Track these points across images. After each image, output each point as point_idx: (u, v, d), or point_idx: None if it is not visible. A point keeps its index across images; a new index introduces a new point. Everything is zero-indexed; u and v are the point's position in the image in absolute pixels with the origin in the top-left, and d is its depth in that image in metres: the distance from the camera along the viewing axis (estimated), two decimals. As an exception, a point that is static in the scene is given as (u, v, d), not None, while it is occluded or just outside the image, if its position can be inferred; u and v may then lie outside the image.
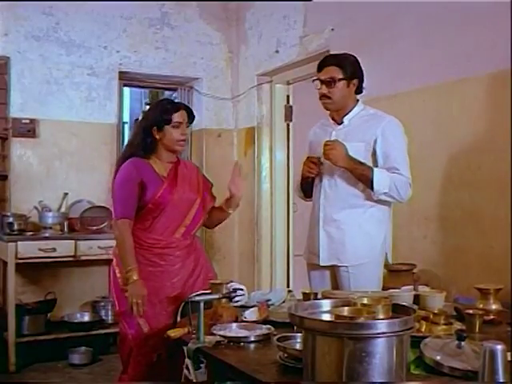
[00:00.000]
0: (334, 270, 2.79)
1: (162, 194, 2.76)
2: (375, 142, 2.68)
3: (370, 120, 2.75)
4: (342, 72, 2.70)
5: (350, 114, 2.78)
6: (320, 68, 2.77)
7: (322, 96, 2.74)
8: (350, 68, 2.72)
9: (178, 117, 2.78)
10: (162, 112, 2.80)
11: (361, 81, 2.77)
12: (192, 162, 3.05)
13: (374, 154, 2.70)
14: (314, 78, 2.79)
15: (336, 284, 2.79)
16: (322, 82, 2.73)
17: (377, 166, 2.69)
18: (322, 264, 2.79)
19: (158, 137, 2.80)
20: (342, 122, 2.80)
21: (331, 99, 2.73)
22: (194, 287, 2.75)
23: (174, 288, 2.79)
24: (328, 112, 2.86)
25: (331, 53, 3.96)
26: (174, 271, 2.80)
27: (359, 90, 2.80)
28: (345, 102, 2.76)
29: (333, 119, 2.84)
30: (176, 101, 2.98)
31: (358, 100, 2.82)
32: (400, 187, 2.65)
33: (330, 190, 2.78)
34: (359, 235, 2.72)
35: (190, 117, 2.89)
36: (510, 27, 2.87)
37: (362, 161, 2.66)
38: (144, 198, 2.74)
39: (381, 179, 2.62)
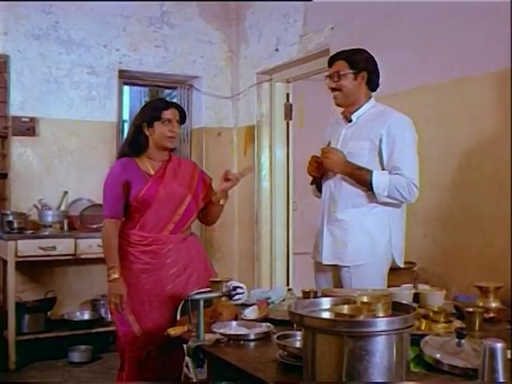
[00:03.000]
0: (336, 270, 2.79)
1: (146, 191, 2.80)
2: (380, 141, 2.65)
3: (377, 118, 2.71)
4: (348, 65, 2.72)
5: (359, 111, 2.76)
6: (329, 64, 2.80)
7: (332, 90, 2.76)
8: (356, 61, 2.72)
9: (167, 114, 2.85)
10: (152, 109, 2.89)
11: (372, 74, 2.75)
12: (189, 159, 3.07)
13: (381, 153, 2.67)
14: (325, 75, 2.81)
15: (339, 284, 2.79)
16: (330, 76, 2.75)
17: (383, 166, 2.67)
18: (324, 262, 2.78)
19: (148, 133, 2.86)
20: (352, 120, 2.79)
21: (340, 91, 2.73)
22: (186, 285, 2.78)
23: (163, 285, 2.81)
24: (339, 110, 2.85)
25: (331, 51, 3.98)
26: (163, 268, 2.82)
27: (374, 86, 2.78)
28: (354, 96, 2.74)
29: (345, 117, 2.83)
30: (168, 100, 3.06)
31: (371, 97, 2.79)
32: (401, 188, 2.61)
33: (335, 189, 2.76)
34: (361, 235, 2.70)
35: (182, 116, 2.93)
36: (510, 26, 2.87)
37: (361, 165, 2.64)
38: (129, 196, 2.81)
39: (379, 182, 2.60)
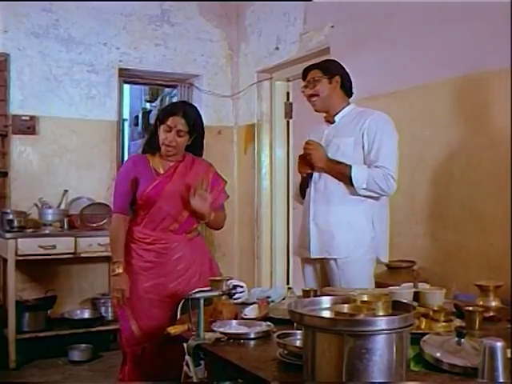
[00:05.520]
0: (324, 264, 2.82)
1: (152, 189, 2.80)
2: (363, 135, 2.75)
3: (358, 116, 2.82)
4: (321, 71, 2.86)
5: (341, 113, 2.87)
6: (304, 76, 2.92)
7: (309, 97, 2.88)
8: (328, 67, 2.88)
9: (169, 121, 2.78)
10: (162, 111, 2.90)
11: (345, 80, 2.87)
12: (205, 160, 3.02)
13: (364, 147, 2.77)
14: (301, 87, 2.93)
15: (327, 279, 2.82)
16: (306, 85, 2.88)
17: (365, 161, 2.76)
18: (312, 256, 2.83)
19: (158, 134, 2.85)
20: (335, 121, 2.88)
21: (317, 96, 2.85)
22: (187, 286, 2.75)
23: (163, 284, 2.81)
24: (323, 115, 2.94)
25: (331, 50, 4.00)
26: (165, 268, 2.82)
27: (349, 92, 2.90)
28: (331, 100, 2.86)
29: (327, 121, 2.92)
30: (184, 105, 2.92)
31: (349, 103, 2.90)
32: (379, 181, 2.69)
33: (320, 183, 2.83)
34: (347, 229, 2.75)
35: (192, 126, 2.81)
36: (509, 26, 2.87)
37: (344, 160, 2.73)
38: (136, 193, 2.82)
39: (358, 175, 2.69)
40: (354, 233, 2.75)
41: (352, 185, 2.71)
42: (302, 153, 2.89)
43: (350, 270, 2.72)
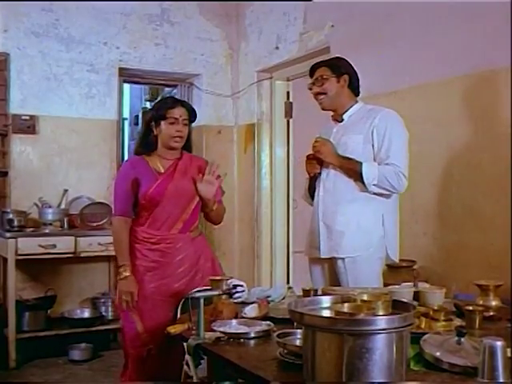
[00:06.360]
0: (332, 264, 2.81)
1: (155, 189, 2.79)
2: (373, 132, 2.73)
3: (368, 114, 2.80)
4: (329, 70, 2.84)
5: (349, 111, 2.86)
6: (311, 73, 2.90)
7: (317, 94, 2.85)
8: (337, 66, 2.85)
9: (173, 113, 2.81)
10: (159, 108, 2.88)
11: (353, 79, 2.85)
12: (201, 157, 3.03)
13: (374, 145, 2.75)
14: (308, 84, 2.91)
15: (335, 279, 2.81)
16: (314, 83, 2.86)
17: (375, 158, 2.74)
18: (322, 256, 2.81)
19: (156, 132, 2.85)
20: (343, 120, 2.86)
21: (325, 94, 2.83)
22: (189, 285, 2.74)
23: (168, 285, 2.81)
24: (330, 114, 2.92)
25: (331, 49, 4.00)
26: (170, 268, 2.82)
27: (356, 91, 2.88)
28: (339, 99, 2.84)
29: (335, 120, 2.91)
30: (178, 98, 2.98)
31: (357, 101, 2.89)
32: (390, 178, 2.67)
33: (329, 183, 2.81)
34: (356, 228, 2.74)
35: (191, 115, 2.90)
36: (509, 26, 2.87)
37: (351, 156, 2.72)
38: (138, 194, 2.81)
39: (369, 172, 2.68)
40: (363, 232, 2.73)
41: (362, 181, 2.69)
42: (308, 153, 2.87)
43: (357, 270, 2.71)
